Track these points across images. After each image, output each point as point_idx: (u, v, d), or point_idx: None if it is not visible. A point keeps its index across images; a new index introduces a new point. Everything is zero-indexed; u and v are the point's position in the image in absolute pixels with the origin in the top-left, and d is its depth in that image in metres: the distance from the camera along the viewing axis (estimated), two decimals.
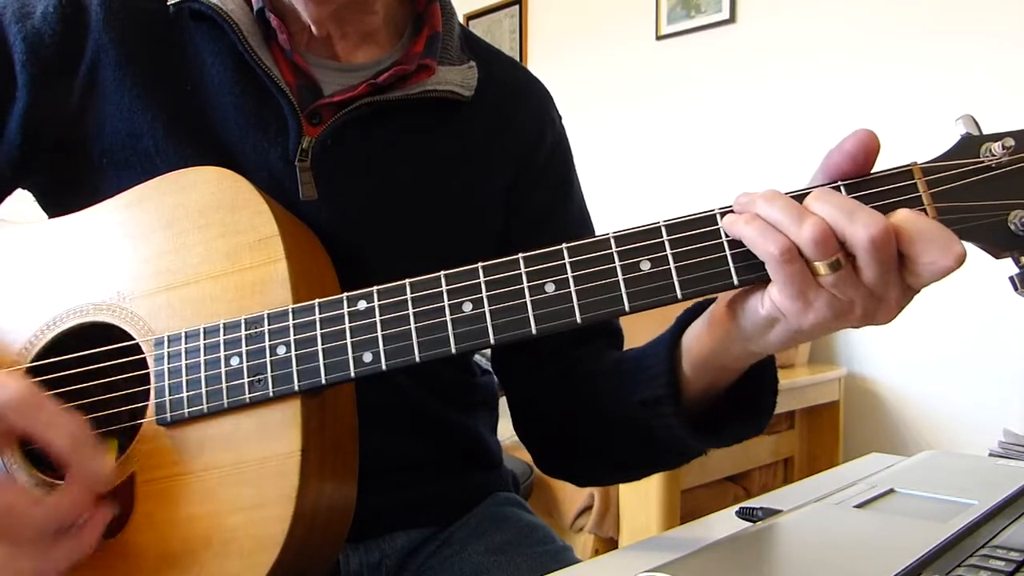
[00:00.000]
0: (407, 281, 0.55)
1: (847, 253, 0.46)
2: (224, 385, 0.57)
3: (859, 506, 0.54)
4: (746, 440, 0.63)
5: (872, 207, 0.47)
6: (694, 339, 0.59)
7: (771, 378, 0.62)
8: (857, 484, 0.59)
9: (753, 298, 0.52)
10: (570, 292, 0.51)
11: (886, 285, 0.47)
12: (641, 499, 1.92)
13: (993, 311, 2.15)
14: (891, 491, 0.58)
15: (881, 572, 0.40)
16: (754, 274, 0.49)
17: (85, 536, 0.53)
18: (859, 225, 0.45)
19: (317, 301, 0.56)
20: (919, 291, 0.48)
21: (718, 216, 0.50)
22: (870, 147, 0.48)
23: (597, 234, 0.53)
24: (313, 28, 0.71)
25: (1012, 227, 0.47)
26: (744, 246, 0.49)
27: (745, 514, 0.64)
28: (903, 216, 0.46)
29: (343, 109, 0.69)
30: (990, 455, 0.83)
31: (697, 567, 0.43)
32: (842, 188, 0.49)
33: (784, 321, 0.50)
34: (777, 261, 0.47)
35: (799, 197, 0.49)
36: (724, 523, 0.65)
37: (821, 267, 0.46)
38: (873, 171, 0.49)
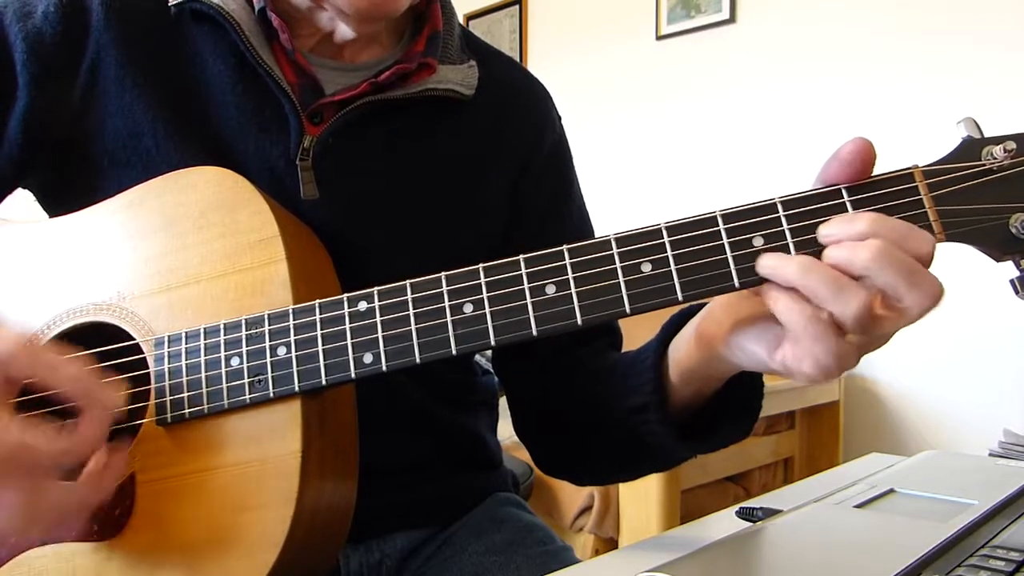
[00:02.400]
0: (408, 282, 0.55)
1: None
2: (224, 386, 0.57)
3: (859, 506, 0.54)
4: (732, 445, 0.63)
5: (874, 210, 0.47)
6: (682, 350, 0.59)
7: (758, 383, 0.62)
8: (857, 484, 0.59)
9: (756, 345, 0.51)
10: (571, 293, 0.51)
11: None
12: (641, 499, 1.92)
13: (993, 312, 2.14)
14: (891, 491, 0.58)
15: (881, 572, 0.40)
16: (756, 276, 0.49)
17: (106, 476, 0.53)
18: (917, 295, 0.44)
19: (318, 302, 0.56)
20: None
21: (719, 218, 0.50)
22: (866, 154, 0.48)
23: (597, 235, 0.53)
24: (350, 33, 0.70)
25: (1013, 230, 0.47)
26: (744, 248, 0.49)
27: (745, 514, 0.65)
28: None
29: (344, 108, 0.69)
30: (990, 455, 0.83)
31: (697, 567, 0.43)
32: (844, 192, 0.49)
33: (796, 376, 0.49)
34: (819, 342, 0.45)
35: (807, 199, 0.49)
36: (724, 523, 0.65)
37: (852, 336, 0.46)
38: (874, 174, 0.49)
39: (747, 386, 0.61)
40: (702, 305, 0.58)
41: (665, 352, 0.61)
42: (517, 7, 3.44)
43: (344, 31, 0.71)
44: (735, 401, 0.62)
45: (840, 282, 0.45)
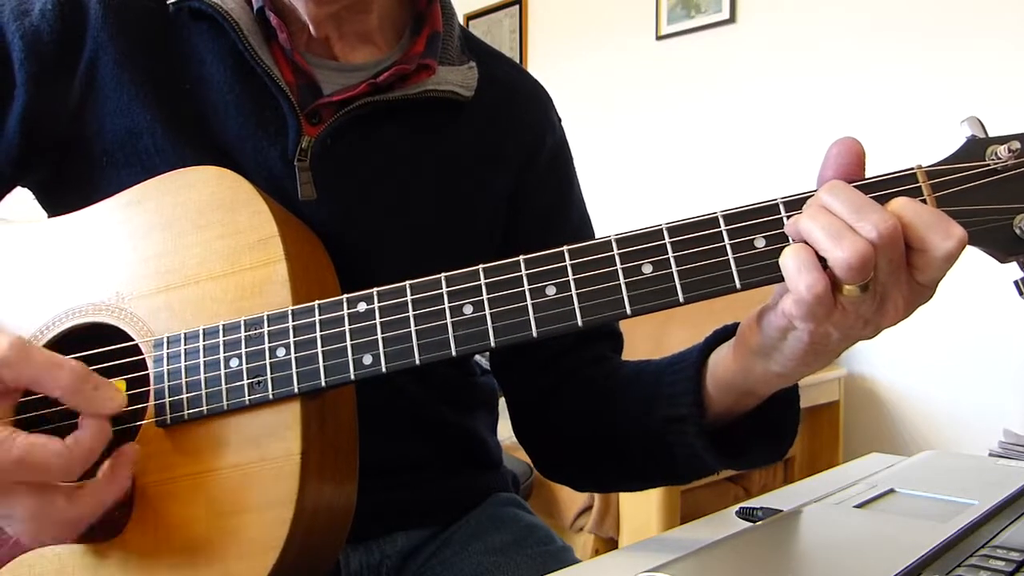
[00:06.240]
0: (407, 283, 0.55)
1: None
2: (224, 387, 0.57)
3: (859, 506, 0.54)
4: (765, 466, 0.63)
5: None
6: (720, 361, 0.59)
7: (793, 405, 0.62)
8: (857, 484, 0.59)
9: (772, 312, 0.52)
10: (571, 295, 0.51)
11: (895, 283, 0.46)
12: (641, 499, 1.92)
13: (993, 311, 2.14)
14: (891, 491, 0.58)
15: (881, 572, 0.41)
16: (757, 278, 0.49)
17: (118, 472, 0.52)
18: (867, 223, 0.45)
19: (317, 303, 0.56)
20: (930, 288, 0.48)
21: (721, 218, 0.50)
22: (856, 152, 0.48)
23: (598, 235, 0.53)
24: (312, 28, 0.71)
25: (1018, 231, 0.46)
26: (746, 249, 0.49)
27: (745, 514, 0.64)
28: (899, 205, 0.46)
29: (343, 109, 0.68)
30: (990, 455, 0.84)
31: (697, 567, 0.43)
32: None
33: (795, 331, 0.50)
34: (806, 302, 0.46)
35: (809, 200, 0.49)
36: (724, 523, 0.65)
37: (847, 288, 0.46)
38: (877, 174, 0.49)
39: (782, 408, 0.61)
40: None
41: (704, 363, 0.61)
42: (517, 7, 3.44)
43: (303, 15, 0.69)
44: (768, 421, 0.62)
45: (841, 230, 0.45)
